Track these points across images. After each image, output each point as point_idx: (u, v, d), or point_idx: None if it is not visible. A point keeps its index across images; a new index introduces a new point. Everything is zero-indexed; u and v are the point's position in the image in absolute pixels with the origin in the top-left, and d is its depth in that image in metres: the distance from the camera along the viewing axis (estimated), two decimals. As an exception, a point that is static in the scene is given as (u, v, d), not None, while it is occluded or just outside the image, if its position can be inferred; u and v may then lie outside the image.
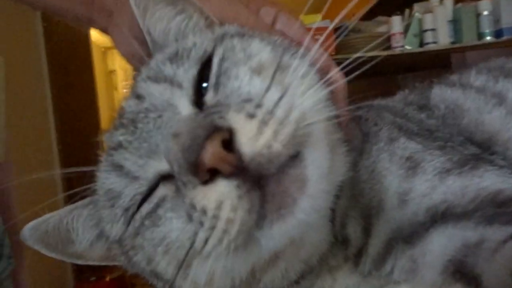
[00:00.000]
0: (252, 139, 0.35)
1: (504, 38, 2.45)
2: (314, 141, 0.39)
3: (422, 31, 2.57)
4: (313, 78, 0.44)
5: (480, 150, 0.52)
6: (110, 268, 2.68)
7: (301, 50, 0.45)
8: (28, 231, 0.50)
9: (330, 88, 0.45)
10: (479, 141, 0.54)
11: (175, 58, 0.47)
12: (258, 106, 0.38)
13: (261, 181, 0.36)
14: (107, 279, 2.90)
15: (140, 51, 0.51)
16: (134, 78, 0.51)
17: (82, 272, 2.93)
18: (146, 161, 0.43)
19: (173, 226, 0.41)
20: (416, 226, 0.45)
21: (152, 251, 0.43)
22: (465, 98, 0.59)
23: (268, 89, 0.40)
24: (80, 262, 0.54)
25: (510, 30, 2.44)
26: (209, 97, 0.43)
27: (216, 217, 0.36)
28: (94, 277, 2.91)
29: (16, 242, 1.87)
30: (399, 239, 0.45)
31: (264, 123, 0.36)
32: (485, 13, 2.50)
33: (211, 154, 0.34)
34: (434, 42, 2.54)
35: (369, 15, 2.89)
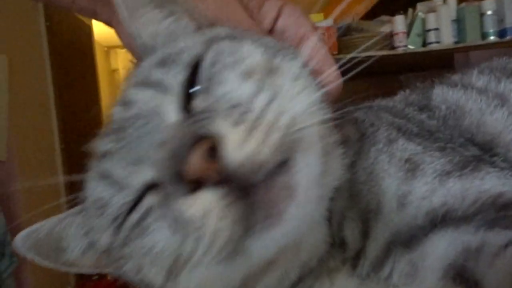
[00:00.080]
0: (238, 147, 0.34)
1: (508, 38, 2.44)
2: (306, 146, 0.38)
3: (425, 31, 2.56)
4: (306, 79, 0.43)
5: (481, 152, 0.51)
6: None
7: (293, 51, 0.45)
8: (20, 240, 0.49)
9: (325, 89, 0.44)
10: (480, 142, 0.54)
11: (164, 63, 0.46)
12: (245, 112, 0.37)
13: (249, 189, 0.35)
14: (109, 277, 2.90)
15: None
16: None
17: (84, 270, 2.94)
18: (133, 170, 0.42)
19: (161, 236, 0.40)
20: (416, 230, 0.44)
21: (140, 260, 0.42)
22: (467, 99, 0.58)
23: (257, 93, 0.39)
24: (73, 270, 0.53)
25: (514, 30, 2.43)
26: (198, 103, 0.42)
27: (202, 227, 0.35)
28: (96, 276, 2.92)
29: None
30: (398, 243, 0.45)
31: (251, 129, 0.35)
32: (489, 12, 2.48)
33: (196, 163, 0.34)
34: (437, 42, 2.53)
35: (373, 14, 2.89)
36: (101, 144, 0.46)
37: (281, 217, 0.36)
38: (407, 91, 0.68)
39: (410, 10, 2.71)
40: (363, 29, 2.69)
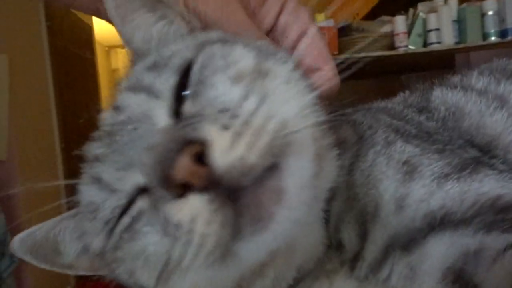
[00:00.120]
0: (225, 152, 0.34)
1: (509, 38, 2.43)
2: (296, 150, 0.37)
3: (426, 31, 2.56)
4: (298, 82, 0.43)
5: (480, 154, 0.51)
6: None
7: (286, 54, 0.44)
8: (17, 243, 0.50)
9: (320, 89, 0.43)
10: (479, 144, 0.53)
11: (155, 67, 0.46)
12: (234, 116, 0.37)
13: (237, 194, 0.35)
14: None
15: None
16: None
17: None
18: (124, 174, 0.42)
19: (151, 240, 0.40)
20: (414, 233, 0.44)
21: (132, 264, 0.43)
22: (466, 100, 0.58)
23: (245, 98, 0.39)
24: (71, 272, 0.54)
25: (516, 30, 2.42)
26: (187, 107, 0.42)
27: (190, 231, 0.35)
28: (96, 276, 2.91)
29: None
30: (396, 245, 0.44)
31: (238, 134, 0.35)
32: (490, 13, 2.48)
33: (182, 168, 0.33)
34: (438, 42, 2.53)
35: (373, 15, 2.88)
36: (92, 148, 0.47)
37: (270, 220, 0.35)
38: (407, 92, 0.67)
39: (411, 10, 2.71)
40: (364, 29, 2.68)
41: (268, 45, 0.48)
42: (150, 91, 0.44)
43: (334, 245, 0.47)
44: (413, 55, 2.57)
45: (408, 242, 0.44)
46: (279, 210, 0.36)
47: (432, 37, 2.53)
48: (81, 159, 0.48)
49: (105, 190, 0.44)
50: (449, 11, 2.55)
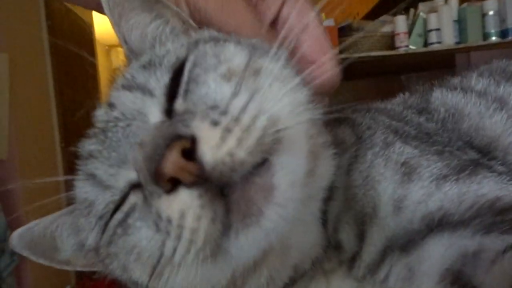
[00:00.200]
0: (214, 148, 0.35)
1: (510, 38, 2.44)
2: (287, 147, 0.37)
3: (427, 31, 2.56)
4: (291, 79, 0.43)
5: (479, 156, 0.51)
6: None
7: (280, 51, 0.44)
8: (15, 239, 0.50)
9: (316, 81, 0.43)
10: (479, 146, 0.53)
11: (149, 65, 0.47)
12: (224, 113, 0.37)
13: (226, 190, 0.35)
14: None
15: None
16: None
17: (84, 269, 2.94)
18: (117, 170, 0.43)
19: (142, 235, 0.40)
20: (412, 234, 0.44)
21: (125, 259, 0.43)
22: (466, 102, 0.58)
23: (236, 94, 0.39)
24: (68, 268, 0.54)
25: (516, 30, 2.42)
26: (179, 105, 0.42)
27: (180, 226, 0.35)
28: (96, 274, 2.91)
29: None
30: (394, 247, 0.44)
31: (228, 130, 0.35)
32: (491, 13, 2.48)
33: (171, 163, 0.34)
34: (439, 42, 2.53)
35: (374, 15, 2.88)
36: (86, 145, 0.47)
37: (259, 217, 0.36)
38: (406, 93, 0.67)
39: (411, 10, 2.71)
40: (364, 29, 2.68)
41: (263, 42, 0.48)
42: (144, 89, 0.44)
43: (332, 245, 0.47)
44: (414, 55, 2.57)
45: (406, 243, 0.44)
46: (268, 207, 0.36)
47: (433, 37, 2.53)
48: (79, 156, 0.49)
49: (99, 186, 0.45)
50: (450, 11, 2.55)
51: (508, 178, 0.45)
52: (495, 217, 0.42)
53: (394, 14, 2.64)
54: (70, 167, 0.49)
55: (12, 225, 2.03)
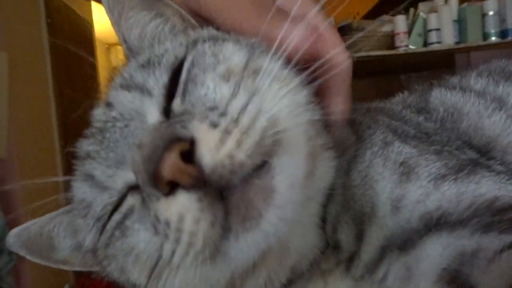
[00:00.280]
0: (213, 150, 0.34)
1: (510, 38, 2.44)
2: (286, 149, 0.37)
3: (427, 31, 2.56)
4: (291, 79, 0.42)
5: (478, 155, 0.51)
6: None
7: (273, 49, 0.43)
8: (12, 238, 0.50)
9: (317, 81, 0.43)
10: (477, 145, 0.53)
11: (147, 65, 0.46)
12: (223, 114, 0.37)
13: (225, 193, 0.35)
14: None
15: None
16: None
17: (83, 268, 2.94)
18: (115, 172, 0.42)
19: (141, 238, 0.40)
20: (410, 233, 0.44)
21: (123, 261, 0.43)
22: (465, 101, 0.58)
23: (234, 95, 0.39)
24: (66, 268, 0.54)
25: (516, 30, 2.42)
26: (176, 105, 0.42)
27: (179, 230, 0.35)
28: (95, 274, 2.91)
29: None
30: (392, 246, 0.44)
31: (227, 132, 0.35)
32: (491, 13, 2.48)
33: (169, 165, 0.33)
34: (439, 42, 2.53)
35: (374, 14, 2.88)
36: (84, 145, 0.47)
37: (259, 219, 0.35)
38: (405, 93, 0.67)
39: (411, 10, 2.71)
40: (364, 28, 2.68)
41: (262, 40, 0.47)
42: (142, 89, 0.44)
43: (331, 246, 0.47)
44: (413, 54, 2.57)
45: (404, 242, 0.44)
46: (268, 209, 0.35)
47: (433, 37, 2.53)
48: (76, 157, 0.48)
49: (97, 187, 0.44)
50: (450, 11, 2.55)
51: (506, 177, 0.45)
52: (493, 217, 0.42)
53: (394, 14, 2.64)
54: (70, 166, 0.49)
55: (11, 225, 2.03)
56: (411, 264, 0.43)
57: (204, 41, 0.47)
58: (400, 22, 2.57)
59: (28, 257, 0.51)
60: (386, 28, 2.64)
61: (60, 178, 0.49)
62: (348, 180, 0.47)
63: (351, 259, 0.46)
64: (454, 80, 0.66)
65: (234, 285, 0.41)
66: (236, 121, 0.36)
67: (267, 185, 0.36)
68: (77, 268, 0.53)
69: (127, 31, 0.51)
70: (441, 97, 0.60)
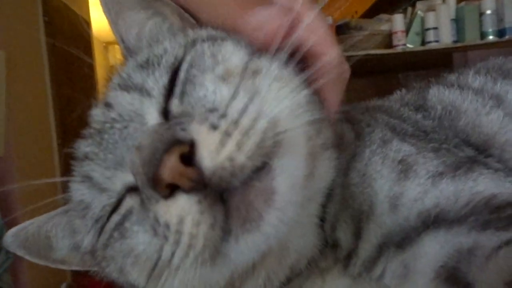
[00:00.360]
0: (213, 152, 0.34)
1: (507, 37, 2.44)
2: (287, 150, 0.37)
3: (424, 30, 2.55)
4: (291, 79, 0.42)
5: (475, 153, 0.51)
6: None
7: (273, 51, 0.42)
8: (10, 238, 0.50)
9: (324, 78, 0.42)
10: (475, 143, 0.53)
11: (146, 65, 0.46)
12: (223, 116, 0.36)
13: (226, 195, 0.34)
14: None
15: None
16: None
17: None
18: (114, 173, 0.42)
19: (140, 239, 0.40)
20: (408, 231, 0.44)
21: (122, 262, 0.43)
22: (463, 99, 0.58)
23: (234, 97, 0.39)
24: (64, 267, 0.54)
25: (514, 29, 2.43)
26: (175, 106, 0.41)
27: (179, 232, 0.35)
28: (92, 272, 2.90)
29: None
30: (390, 244, 0.44)
31: (227, 134, 0.35)
32: (488, 12, 2.48)
33: (169, 169, 0.33)
34: (436, 41, 2.52)
35: (372, 13, 2.88)
36: (82, 146, 0.46)
37: (259, 221, 0.35)
38: (403, 90, 0.67)
39: (409, 9, 2.71)
40: (363, 27, 2.68)
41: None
42: (141, 90, 0.44)
43: (329, 244, 0.47)
44: (411, 53, 2.57)
45: (402, 240, 0.44)
46: (269, 211, 0.35)
47: (430, 35, 2.53)
48: (74, 158, 0.48)
49: (95, 189, 0.44)
50: (447, 10, 2.55)
51: (504, 175, 0.46)
52: (491, 214, 0.42)
53: (392, 13, 2.64)
54: (68, 166, 0.49)
55: (9, 224, 2.03)
56: (409, 262, 0.43)
57: (203, 41, 0.46)
58: (398, 21, 2.57)
59: (27, 257, 0.51)
60: (384, 27, 2.64)
61: (58, 179, 0.48)
62: (347, 178, 0.47)
63: (349, 257, 0.46)
64: (452, 77, 0.66)
65: (234, 285, 0.41)
66: (236, 123, 0.36)
67: (267, 187, 0.36)
68: (75, 268, 0.53)
69: (125, 31, 0.51)
70: (439, 95, 0.60)
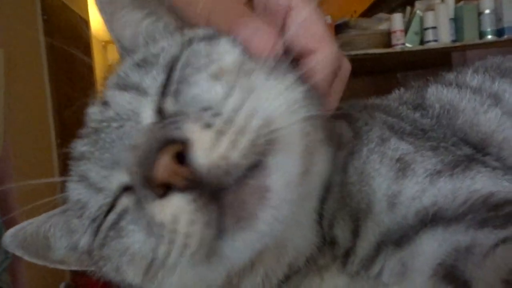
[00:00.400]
0: (207, 151, 0.34)
1: (506, 37, 2.44)
2: (282, 147, 0.37)
3: (423, 29, 2.56)
4: (286, 76, 0.42)
5: (473, 151, 0.51)
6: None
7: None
8: (8, 238, 0.50)
9: (318, 76, 0.42)
10: (473, 141, 0.53)
11: (143, 64, 0.46)
12: (216, 114, 0.36)
13: (220, 193, 0.34)
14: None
15: None
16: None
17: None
18: (110, 173, 0.42)
19: (135, 238, 0.40)
20: (406, 229, 0.44)
21: (118, 261, 0.43)
22: (461, 98, 0.58)
23: (229, 95, 0.39)
24: (62, 267, 0.54)
25: (512, 29, 2.43)
26: (169, 105, 0.41)
27: (173, 231, 0.35)
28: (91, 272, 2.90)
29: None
30: (388, 242, 0.44)
31: (221, 133, 0.35)
32: (487, 11, 2.48)
33: (163, 167, 0.33)
34: (435, 40, 2.53)
35: (371, 12, 2.88)
36: (78, 146, 0.47)
37: (254, 220, 0.35)
38: (402, 89, 0.67)
39: (408, 8, 2.71)
40: (362, 26, 2.68)
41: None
42: (136, 89, 0.44)
43: (327, 241, 0.47)
44: (410, 53, 2.57)
45: (400, 238, 0.44)
46: (263, 209, 0.35)
47: (429, 35, 2.53)
48: (71, 157, 0.48)
49: (92, 189, 0.44)
50: (446, 9, 2.55)
51: (502, 173, 0.46)
52: (489, 213, 0.42)
53: (391, 12, 2.64)
54: (66, 164, 0.49)
55: (7, 223, 2.02)
56: (407, 260, 0.43)
57: (200, 40, 0.46)
58: (397, 20, 2.57)
59: (25, 257, 0.51)
60: (383, 26, 2.64)
61: (56, 179, 0.48)
62: (345, 176, 0.47)
63: (347, 255, 0.46)
64: (450, 76, 0.66)
65: (231, 283, 0.41)
66: (230, 121, 0.36)
67: (262, 185, 0.35)
68: (73, 268, 0.53)
69: (120, 30, 0.51)
70: (437, 93, 0.60)
